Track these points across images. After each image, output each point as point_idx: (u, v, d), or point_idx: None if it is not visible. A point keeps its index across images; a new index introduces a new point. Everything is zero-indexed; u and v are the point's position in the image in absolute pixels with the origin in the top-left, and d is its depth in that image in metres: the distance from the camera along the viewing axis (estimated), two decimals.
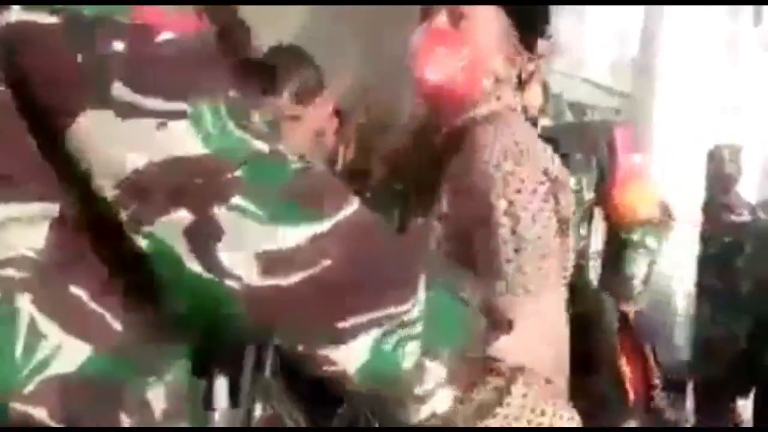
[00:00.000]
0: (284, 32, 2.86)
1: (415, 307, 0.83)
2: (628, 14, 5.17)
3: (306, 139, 2.18)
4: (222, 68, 0.81)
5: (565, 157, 2.31)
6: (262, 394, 1.89)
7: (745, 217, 4.21)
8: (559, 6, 2.66)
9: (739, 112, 5.83)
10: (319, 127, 2.25)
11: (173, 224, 0.77)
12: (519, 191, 1.55)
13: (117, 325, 0.82)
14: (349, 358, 0.82)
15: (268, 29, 2.57)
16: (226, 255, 0.77)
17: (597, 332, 1.89)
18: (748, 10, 5.81)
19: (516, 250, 1.54)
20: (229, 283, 0.77)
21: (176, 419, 0.88)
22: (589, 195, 2.43)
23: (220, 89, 0.79)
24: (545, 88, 2.48)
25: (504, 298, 1.50)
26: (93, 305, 0.82)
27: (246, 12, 2.41)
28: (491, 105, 1.66)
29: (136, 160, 0.76)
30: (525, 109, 2.32)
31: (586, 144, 2.43)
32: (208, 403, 1.88)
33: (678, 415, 2.53)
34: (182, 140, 0.76)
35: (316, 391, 1.75)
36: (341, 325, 0.80)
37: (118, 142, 0.76)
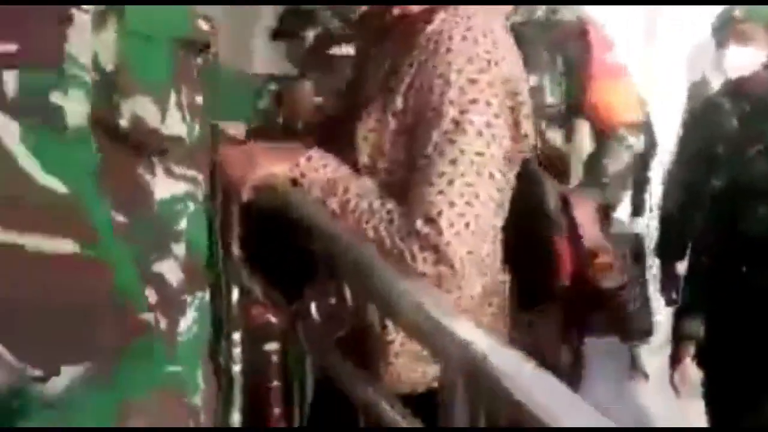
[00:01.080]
0: None
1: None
2: None
3: None
4: None
5: (529, 56, 2.30)
6: (234, 279, 1.96)
7: None
8: None
9: None
10: None
11: None
12: (475, 101, 1.52)
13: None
14: None
15: None
16: None
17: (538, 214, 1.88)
18: None
19: (452, 162, 1.51)
20: None
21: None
22: (552, 98, 2.40)
23: None
24: None
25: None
26: None
27: None
28: None
29: None
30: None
31: (552, 41, 2.38)
32: None
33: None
34: None
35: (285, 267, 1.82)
36: None
37: None
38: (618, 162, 2.45)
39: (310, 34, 3.50)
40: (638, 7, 5.04)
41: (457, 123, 1.52)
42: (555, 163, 2.40)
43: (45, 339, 0.80)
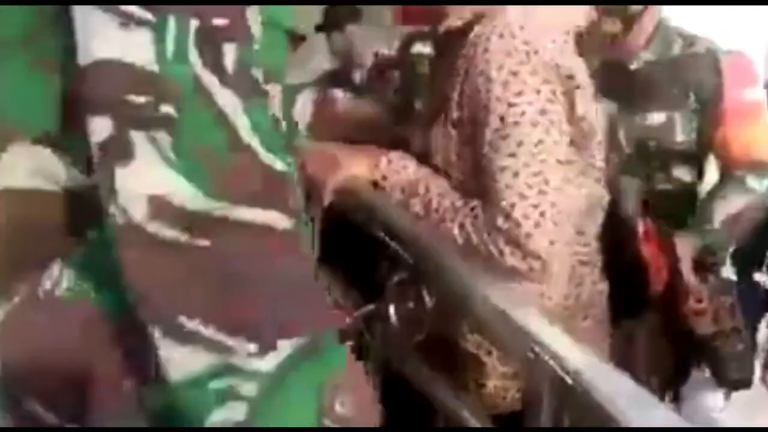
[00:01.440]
0: None
1: (264, 360, 0.76)
2: None
3: None
4: None
5: (660, 93, 2.24)
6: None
7: None
8: None
9: None
10: None
11: (95, 130, 0.77)
12: (521, 93, 1.51)
13: None
14: (182, 362, 0.76)
15: None
16: (122, 182, 0.76)
17: (615, 216, 1.82)
18: None
19: (512, 155, 1.49)
20: (114, 210, 0.76)
21: None
22: (684, 136, 2.30)
23: (194, 9, 0.76)
24: (655, 18, 2.33)
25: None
26: None
27: None
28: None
29: (94, 51, 0.76)
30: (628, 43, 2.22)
31: (682, 78, 2.29)
32: None
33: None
34: (137, 46, 0.76)
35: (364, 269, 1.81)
36: (182, 321, 0.75)
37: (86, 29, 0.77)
38: (730, 205, 2.28)
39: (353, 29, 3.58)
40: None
41: (504, 118, 1.50)
42: (682, 201, 2.34)
43: (260, 313, 0.77)
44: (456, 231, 1.54)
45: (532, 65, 1.52)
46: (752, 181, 2.30)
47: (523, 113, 1.50)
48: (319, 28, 3.70)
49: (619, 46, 2.35)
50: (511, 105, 1.50)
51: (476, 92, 1.55)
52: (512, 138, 1.50)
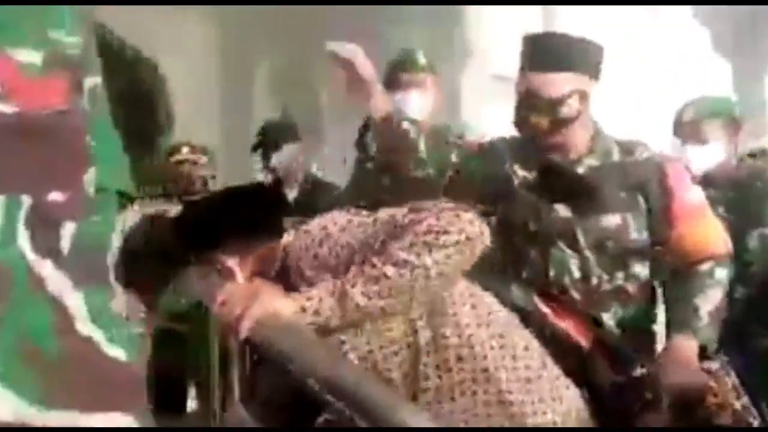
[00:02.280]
0: None
1: None
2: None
3: None
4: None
5: (610, 196, 2.32)
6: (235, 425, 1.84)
7: None
8: None
9: None
10: None
11: None
12: None
13: None
14: None
15: None
16: None
17: None
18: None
19: None
20: None
21: None
22: (637, 234, 2.35)
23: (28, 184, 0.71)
24: (589, 125, 2.42)
25: None
26: None
27: None
28: None
29: None
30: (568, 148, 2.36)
31: (629, 183, 2.36)
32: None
33: None
34: None
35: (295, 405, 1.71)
36: None
37: None
38: (711, 299, 2.31)
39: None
40: None
41: None
42: (641, 294, 2.38)
43: None
44: None
45: None
46: (719, 273, 2.36)
47: None
48: (255, 147, 3.74)
49: (559, 150, 2.38)
50: None
51: None
52: None
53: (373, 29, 5.80)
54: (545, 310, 2.10)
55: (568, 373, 1.85)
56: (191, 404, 3.18)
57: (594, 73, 2.40)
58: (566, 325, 2.11)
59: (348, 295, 1.65)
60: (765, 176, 3.39)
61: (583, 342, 2.11)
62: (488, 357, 1.72)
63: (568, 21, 5.25)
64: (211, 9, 7.69)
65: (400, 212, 1.74)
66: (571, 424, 1.77)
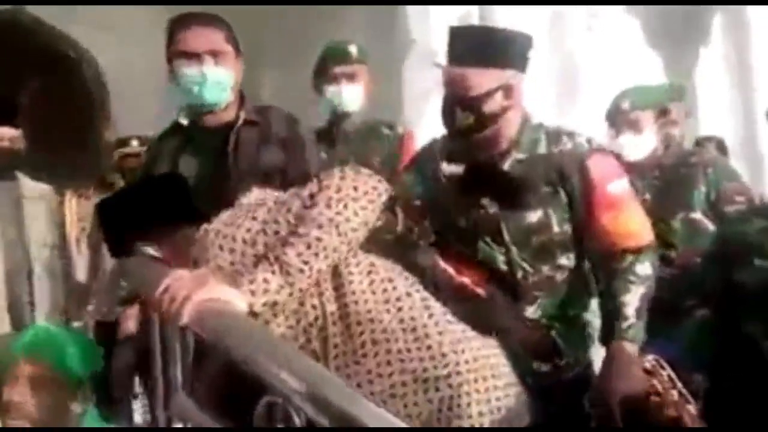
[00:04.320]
0: None
1: None
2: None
3: None
4: None
5: (532, 191, 2.35)
6: (179, 414, 1.87)
7: None
8: None
9: None
10: None
11: None
12: None
13: None
14: None
15: None
16: None
17: None
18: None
19: None
20: None
21: None
22: (559, 228, 2.37)
23: None
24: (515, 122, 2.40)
25: None
26: None
27: None
28: None
29: None
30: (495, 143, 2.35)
31: (550, 176, 2.35)
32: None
33: None
34: None
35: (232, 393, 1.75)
36: None
37: None
38: (636, 297, 2.30)
39: None
40: None
41: None
42: (570, 281, 2.41)
43: None
44: None
45: None
46: (641, 268, 2.34)
47: None
48: None
49: (485, 145, 2.39)
50: None
51: None
52: None
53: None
54: (445, 266, 2.22)
55: (474, 324, 1.97)
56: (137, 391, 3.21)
57: (521, 65, 2.39)
58: (465, 280, 2.22)
59: (289, 264, 1.76)
60: (690, 162, 3.53)
61: (482, 292, 2.22)
62: (384, 321, 1.87)
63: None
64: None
65: (308, 185, 1.90)
66: (488, 364, 1.91)
